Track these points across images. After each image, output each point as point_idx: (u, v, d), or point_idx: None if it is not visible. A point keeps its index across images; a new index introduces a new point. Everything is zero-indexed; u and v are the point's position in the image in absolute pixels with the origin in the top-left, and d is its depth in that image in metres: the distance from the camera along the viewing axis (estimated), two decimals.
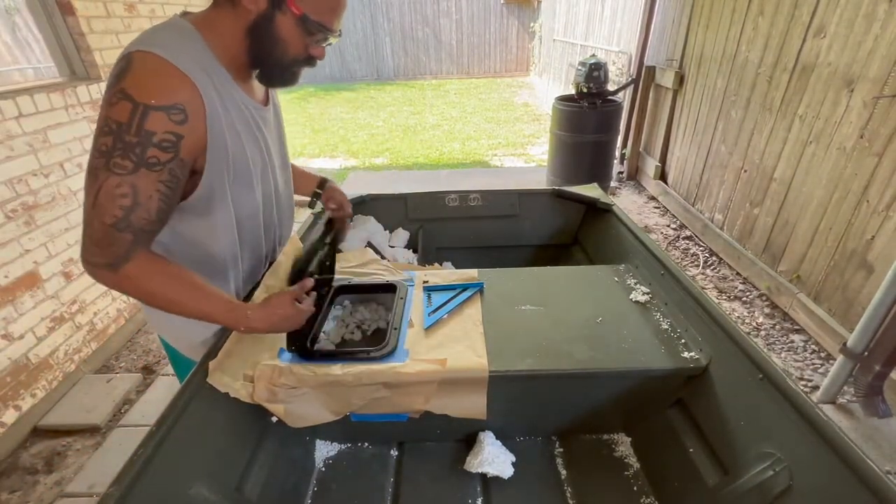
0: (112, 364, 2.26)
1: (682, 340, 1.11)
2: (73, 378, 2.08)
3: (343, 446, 1.22)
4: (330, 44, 0.85)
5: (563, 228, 1.94)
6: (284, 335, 1.00)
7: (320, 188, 1.29)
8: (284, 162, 1.06)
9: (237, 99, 0.82)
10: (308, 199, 1.31)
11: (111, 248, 0.72)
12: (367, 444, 1.22)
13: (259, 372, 0.98)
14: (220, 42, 0.78)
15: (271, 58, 0.81)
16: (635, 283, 1.35)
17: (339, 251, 1.51)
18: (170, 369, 2.17)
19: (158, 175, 0.71)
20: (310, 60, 0.85)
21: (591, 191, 1.87)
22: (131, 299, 2.45)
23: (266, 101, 0.94)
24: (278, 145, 1.02)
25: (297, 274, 0.99)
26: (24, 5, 2.04)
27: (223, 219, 0.87)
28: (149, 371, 2.19)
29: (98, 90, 2.21)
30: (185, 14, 0.80)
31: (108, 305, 2.30)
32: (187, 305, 0.81)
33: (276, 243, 1.11)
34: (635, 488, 1.10)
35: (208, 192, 0.82)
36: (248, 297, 1.05)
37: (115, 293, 2.35)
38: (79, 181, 2.12)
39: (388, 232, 1.84)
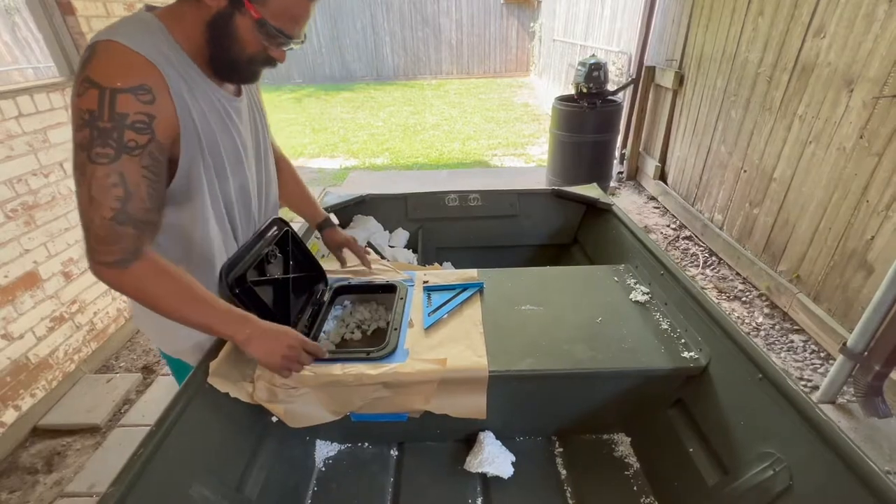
0: (112, 364, 2.26)
1: (682, 340, 1.11)
2: (72, 378, 2.08)
3: (343, 446, 1.22)
4: (291, 48, 0.84)
5: (563, 228, 1.94)
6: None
7: (320, 229, 1.32)
8: (261, 154, 1.04)
9: (205, 88, 0.83)
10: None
11: (119, 245, 0.72)
12: (367, 443, 1.22)
13: (259, 372, 0.98)
14: (184, 34, 0.79)
15: (229, 54, 0.80)
16: (635, 283, 1.36)
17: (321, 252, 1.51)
18: (169, 369, 2.17)
19: (140, 160, 0.71)
20: (269, 61, 0.84)
21: (590, 191, 1.87)
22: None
23: (238, 92, 0.93)
24: (254, 137, 1.01)
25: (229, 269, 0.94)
26: (24, 5, 2.03)
27: (203, 207, 0.87)
28: (149, 371, 2.19)
29: None
30: (150, 8, 0.81)
31: (108, 305, 2.30)
32: (191, 312, 0.80)
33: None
34: (635, 488, 1.10)
35: (185, 180, 0.82)
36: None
37: (115, 293, 2.35)
38: None
39: (387, 232, 1.84)
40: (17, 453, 1.79)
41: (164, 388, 2.05)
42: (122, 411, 1.96)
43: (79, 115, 0.68)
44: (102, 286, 2.26)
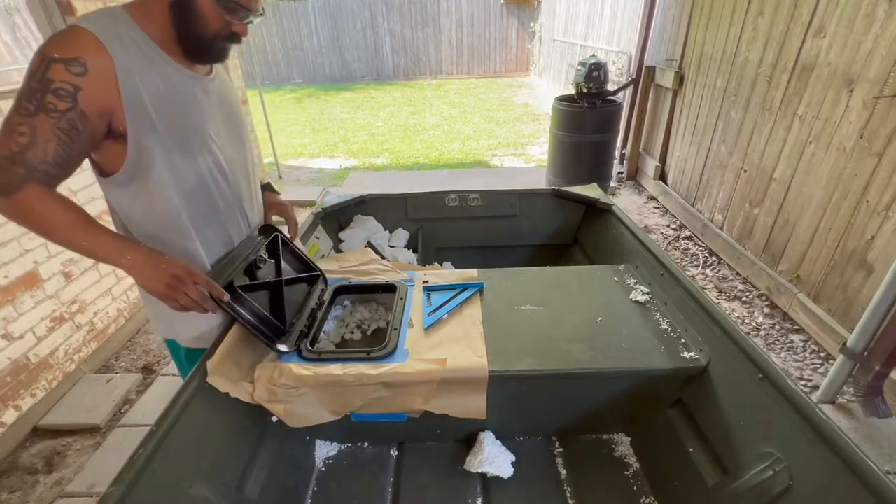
0: (112, 364, 2.26)
1: (682, 340, 1.11)
2: (73, 378, 2.08)
3: (343, 446, 1.22)
4: (252, 22, 0.90)
5: (563, 228, 1.94)
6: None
7: (262, 190, 1.27)
8: (236, 140, 1.06)
9: (164, 67, 0.88)
10: (308, 199, 1.32)
11: (3, 178, 0.77)
12: (367, 443, 1.22)
13: (259, 372, 0.98)
14: (149, 18, 0.86)
15: (193, 33, 0.86)
16: (635, 283, 1.36)
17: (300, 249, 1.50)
18: (170, 369, 2.17)
19: (56, 122, 0.78)
20: (233, 37, 0.90)
21: (590, 191, 1.87)
22: (132, 298, 2.45)
23: (210, 72, 0.98)
24: (225, 120, 1.02)
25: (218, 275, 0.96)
26: (24, 5, 2.03)
27: (160, 180, 0.90)
28: (149, 371, 2.19)
29: None
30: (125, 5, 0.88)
31: (108, 305, 2.30)
32: (80, 237, 0.83)
33: (247, 228, 1.10)
34: (635, 488, 1.10)
35: (136, 153, 0.86)
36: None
37: (116, 292, 2.35)
38: (79, 181, 2.12)
39: (387, 232, 1.84)
40: (17, 453, 1.79)
41: (165, 388, 2.05)
42: (123, 411, 1.96)
43: (26, 73, 0.78)
44: (103, 286, 2.27)
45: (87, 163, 0.89)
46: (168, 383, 2.08)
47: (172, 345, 1.11)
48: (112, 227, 0.91)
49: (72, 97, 0.78)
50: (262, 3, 0.88)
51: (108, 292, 2.31)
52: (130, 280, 2.43)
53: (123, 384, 2.06)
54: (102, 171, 0.89)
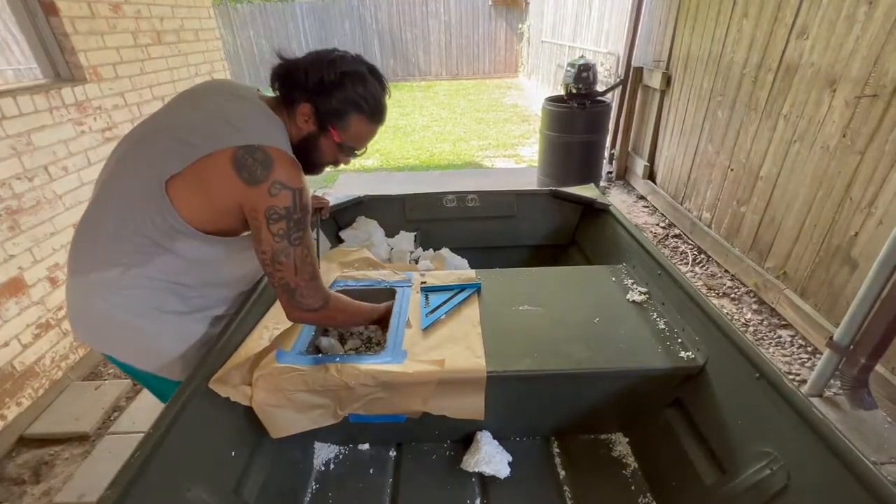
0: (100, 371, 2.22)
1: (679, 340, 1.12)
2: (60, 385, 2.03)
3: (341, 448, 1.21)
4: (357, 157, 1.07)
5: (561, 229, 1.95)
6: (286, 342, 1.08)
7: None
8: None
9: None
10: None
11: (318, 297, 0.99)
12: (365, 445, 1.22)
13: (258, 374, 0.97)
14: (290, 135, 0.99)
15: (311, 160, 1.02)
16: (632, 283, 1.37)
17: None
18: None
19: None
20: (336, 164, 1.07)
21: (587, 191, 1.88)
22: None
23: None
24: None
25: None
26: (6, 5, 1.99)
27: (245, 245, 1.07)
28: None
29: (83, 92, 2.17)
30: (247, 86, 1.01)
31: None
32: (351, 322, 1.20)
33: None
34: (633, 488, 1.11)
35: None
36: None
37: None
38: (64, 184, 2.07)
39: (386, 237, 1.84)
40: (3, 464, 1.74)
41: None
42: (112, 419, 1.92)
43: (279, 210, 0.88)
44: None
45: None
46: None
47: (130, 369, 1.07)
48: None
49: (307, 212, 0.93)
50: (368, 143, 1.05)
51: None
52: None
53: (112, 391, 2.02)
54: (207, 231, 0.94)
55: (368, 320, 1.20)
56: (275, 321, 1.13)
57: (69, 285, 0.98)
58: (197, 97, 0.97)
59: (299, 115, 0.95)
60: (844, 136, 1.99)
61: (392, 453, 1.20)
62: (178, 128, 0.91)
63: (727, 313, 2.47)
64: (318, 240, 1.45)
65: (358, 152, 1.05)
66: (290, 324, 1.14)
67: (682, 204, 3.44)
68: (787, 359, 2.13)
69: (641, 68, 3.99)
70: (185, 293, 0.98)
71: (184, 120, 0.93)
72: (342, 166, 1.09)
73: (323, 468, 1.16)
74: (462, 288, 1.30)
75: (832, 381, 1.87)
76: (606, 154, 4.37)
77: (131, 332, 0.96)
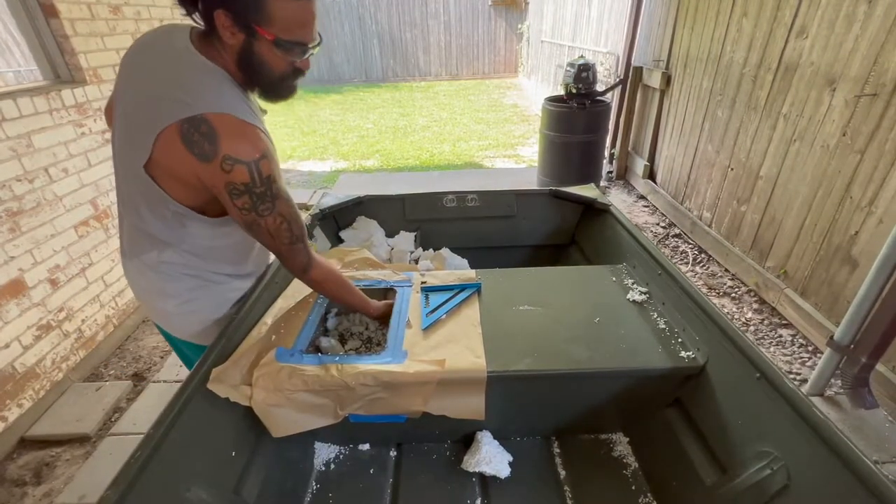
0: (101, 372, 2.22)
1: (680, 340, 1.12)
2: (61, 387, 2.03)
3: (342, 448, 1.21)
4: (312, 53, 0.91)
5: (561, 229, 1.94)
6: (286, 341, 1.07)
7: None
8: None
9: (256, 110, 0.95)
10: (299, 202, 1.42)
11: (302, 258, 1.01)
12: (365, 445, 1.22)
13: (258, 374, 0.97)
14: (231, 70, 0.89)
15: (263, 79, 0.89)
16: (632, 283, 1.37)
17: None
18: (161, 376, 2.14)
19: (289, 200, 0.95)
20: (298, 73, 0.92)
21: (588, 191, 1.88)
22: (120, 305, 2.42)
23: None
24: None
25: None
26: (6, 7, 1.99)
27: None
28: (139, 378, 2.15)
29: (83, 94, 2.17)
30: (182, 28, 0.90)
31: (96, 312, 2.26)
32: (347, 297, 1.14)
33: None
34: (633, 487, 1.11)
35: None
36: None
37: (104, 299, 2.31)
38: (64, 186, 2.08)
39: (386, 237, 1.84)
40: (4, 465, 1.74)
41: (156, 396, 2.02)
42: (113, 420, 1.93)
43: (240, 184, 0.83)
44: (91, 293, 2.23)
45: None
46: (159, 390, 2.05)
47: (169, 336, 1.15)
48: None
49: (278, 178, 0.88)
50: (316, 30, 0.88)
51: (97, 299, 2.26)
52: (118, 286, 2.39)
53: (113, 392, 2.02)
54: (206, 213, 0.95)
55: (365, 305, 1.19)
56: (274, 317, 1.13)
57: (124, 268, 1.07)
58: (137, 66, 0.90)
59: (222, 29, 0.82)
60: (844, 135, 1.99)
61: (392, 453, 1.20)
62: (129, 113, 0.88)
63: (728, 313, 2.47)
64: (316, 240, 1.45)
65: (309, 45, 0.87)
66: (290, 320, 1.14)
67: (682, 203, 3.44)
68: (788, 358, 2.13)
69: (641, 68, 3.99)
70: (212, 267, 1.05)
71: (131, 98, 0.88)
72: (306, 75, 0.95)
73: (323, 468, 1.16)
74: (462, 288, 1.30)
75: (833, 381, 1.87)
76: (606, 154, 4.37)
77: (173, 303, 1.03)
